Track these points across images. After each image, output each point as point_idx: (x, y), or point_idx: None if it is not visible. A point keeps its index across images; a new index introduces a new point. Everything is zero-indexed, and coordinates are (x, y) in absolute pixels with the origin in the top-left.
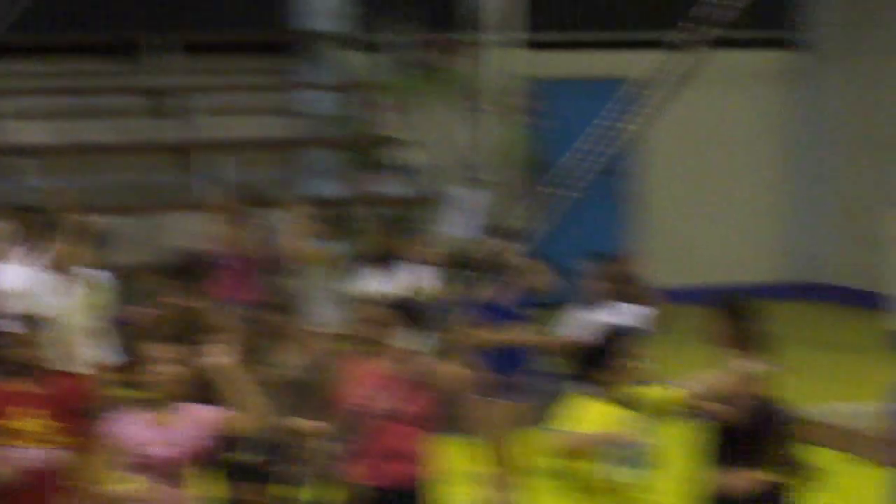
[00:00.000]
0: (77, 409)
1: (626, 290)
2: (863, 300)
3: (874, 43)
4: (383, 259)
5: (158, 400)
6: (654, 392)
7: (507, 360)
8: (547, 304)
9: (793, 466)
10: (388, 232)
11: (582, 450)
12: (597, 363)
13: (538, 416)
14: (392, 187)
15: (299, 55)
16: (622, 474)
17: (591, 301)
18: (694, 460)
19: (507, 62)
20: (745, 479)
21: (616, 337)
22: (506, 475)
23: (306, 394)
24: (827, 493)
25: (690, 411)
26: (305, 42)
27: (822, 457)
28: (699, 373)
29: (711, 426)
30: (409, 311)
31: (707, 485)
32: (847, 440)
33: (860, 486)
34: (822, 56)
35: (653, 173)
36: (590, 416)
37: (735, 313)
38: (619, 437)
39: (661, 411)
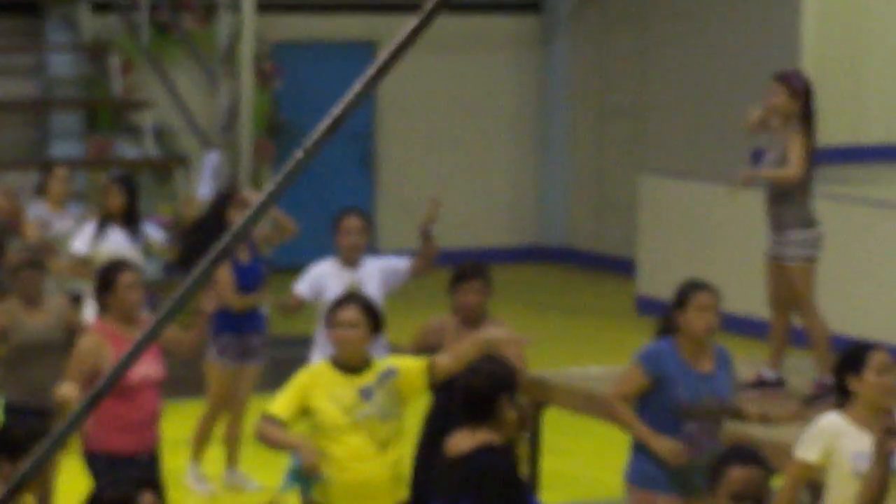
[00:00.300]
0: None
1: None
2: (611, 265)
3: (611, 8)
4: (125, 221)
5: None
6: (391, 361)
7: (246, 323)
8: (288, 266)
9: (517, 425)
10: (130, 194)
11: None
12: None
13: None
14: (134, 149)
15: (43, 16)
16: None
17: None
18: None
19: (245, 25)
20: (474, 438)
21: (353, 299)
22: (235, 437)
23: (58, 358)
24: (564, 454)
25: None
26: (50, 3)
27: (570, 419)
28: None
29: (444, 391)
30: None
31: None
32: (588, 402)
33: (606, 448)
34: (560, 21)
35: (393, 137)
36: (315, 380)
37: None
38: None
39: (395, 380)
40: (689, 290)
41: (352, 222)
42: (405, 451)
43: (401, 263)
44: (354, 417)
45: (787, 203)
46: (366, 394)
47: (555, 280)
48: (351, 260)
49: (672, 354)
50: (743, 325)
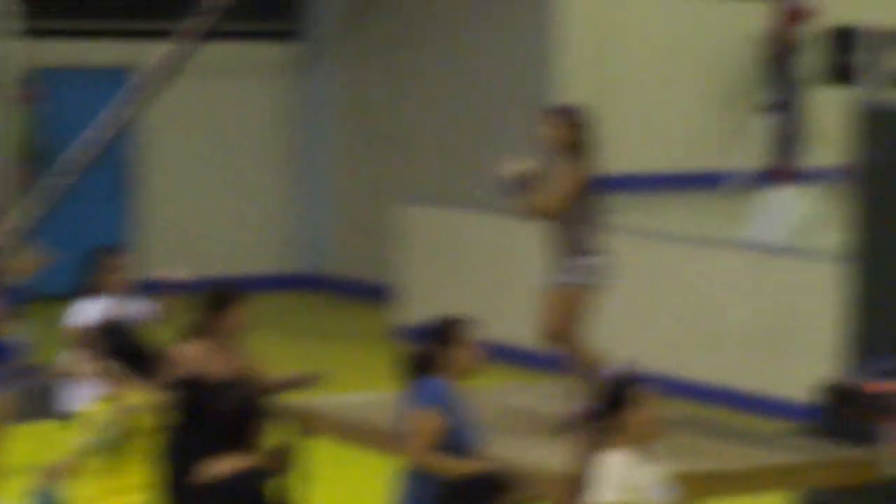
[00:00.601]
0: None
1: (125, 282)
2: (368, 292)
3: (369, 36)
4: None
5: None
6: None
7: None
8: (43, 296)
9: (280, 454)
10: None
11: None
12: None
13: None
14: None
15: None
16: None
17: (92, 293)
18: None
19: (5, 50)
20: (227, 464)
21: (117, 329)
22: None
23: None
24: (328, 482)
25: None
26: None
27: (326, 447)
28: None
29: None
30: None
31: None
32: (352, 431)
33: (365, 476)
34: (320, 48)
35: (155, 164)
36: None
37: (215, 303)
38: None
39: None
40: (453, 327)
41: (117, 260)
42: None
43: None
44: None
45: (571, 230)
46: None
47: (312, 306)
48: (117, 295)
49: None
50: (500, 353)
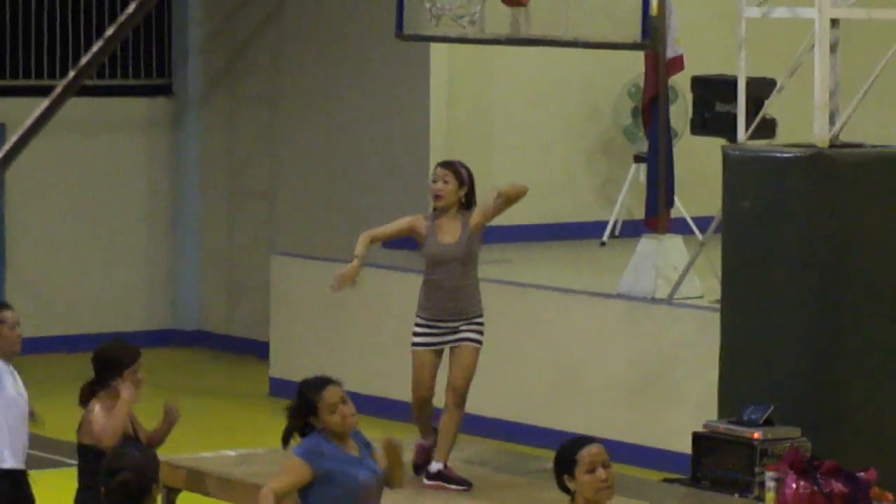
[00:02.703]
0: None
1: (19, 338)
2: (245, 348)
3: (241, 91)
4: None
5: None
6: None
7: None
8: None
9: None
10: None
11: None
12: None
13: None
14: None
15: None
16: None
17: None
18: None
19: None
20: None
21: None
22: None
23: None
24: None
25: None
26: None
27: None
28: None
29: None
30: None
31: None
32: (232, 486)
33: None
34: (191, 104)
35: (25, 222)
36: None
37: (114, 364)
38: None
39: None
40: (315, 392)
41: (9, 315)
42: None
43: None
44: None
45: (474, 287)
46: None
47: (188, 364)
48: (9, 353)
49: (328, 444)
50: (375, 406)
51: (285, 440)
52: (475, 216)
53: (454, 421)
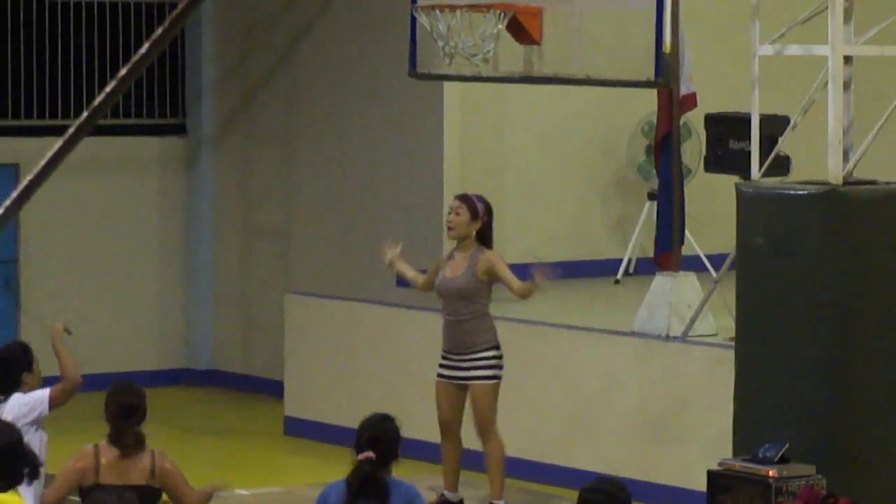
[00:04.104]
0: None
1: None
2: (260, 387)
3: (255, 129)
4: None
5: None
6: None
7: None
8: None
9: None
10: None
11: None
12: None
13: None
14: None
15: None
16: None
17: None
18: None
19: None
20: None
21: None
22: None
23: None
24: None
25: None
26: None
27: None
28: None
29: None
30: None
31: None
32: None
33: None
34: (205, 142)
35: (38, 261)
36: None
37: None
38: None
39: None
40: None
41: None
42: None
43: (43, 393)
44: None
45: (479, 321)
46: None
47: (202, 403)
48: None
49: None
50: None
51: None
52: (487, 259)
53: (488, 454)
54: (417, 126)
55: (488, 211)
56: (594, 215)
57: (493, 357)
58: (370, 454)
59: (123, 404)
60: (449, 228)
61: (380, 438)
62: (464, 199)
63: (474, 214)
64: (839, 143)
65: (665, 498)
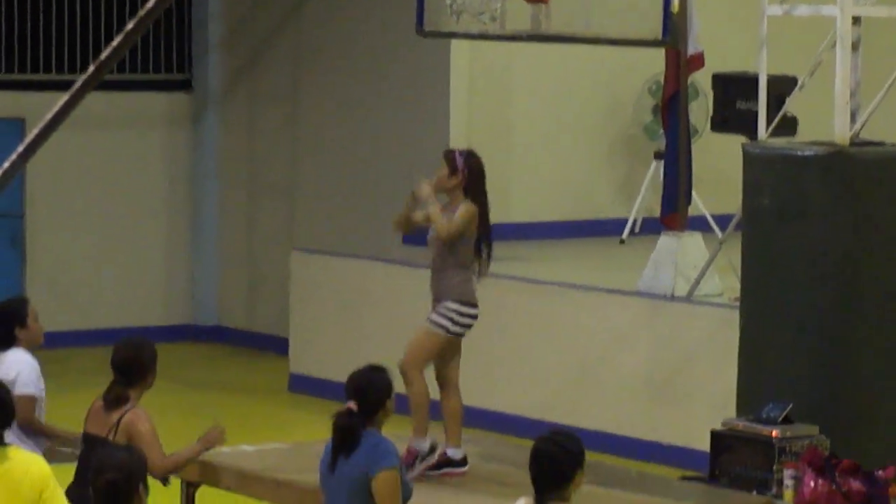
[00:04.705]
0: None
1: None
2: (265, 344)
3: (260, 86)
4: None
5: None
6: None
7: None
8: None
9: None
10: None
11: None
12: None
13: None
14: None
15: None
16: None
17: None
18: None
19: None
20: None
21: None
22: None
23: None
24: None
25: None
26: None
27: (224, 498)
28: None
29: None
30: None
31: None
32: (249, 481)
33: None
34: (210, 99)
35: (44, 216)
36: None
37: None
38: None
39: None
40: None
41: (31, 309)
42: None
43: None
44: None
45: (451, 272)
46: None
47: (207, 359)
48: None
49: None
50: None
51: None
52: (465, 211)
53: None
54: (424, 84)
55: (472, 166)
56: (600, 174)
57: (455, 311)
58: (351, 405)
59: (114, 361)
60: (439, 183)
61: (364, 389)
62: (445, 154)
63: (453, 169)
64: (846, 105)
65: (668, 457)
